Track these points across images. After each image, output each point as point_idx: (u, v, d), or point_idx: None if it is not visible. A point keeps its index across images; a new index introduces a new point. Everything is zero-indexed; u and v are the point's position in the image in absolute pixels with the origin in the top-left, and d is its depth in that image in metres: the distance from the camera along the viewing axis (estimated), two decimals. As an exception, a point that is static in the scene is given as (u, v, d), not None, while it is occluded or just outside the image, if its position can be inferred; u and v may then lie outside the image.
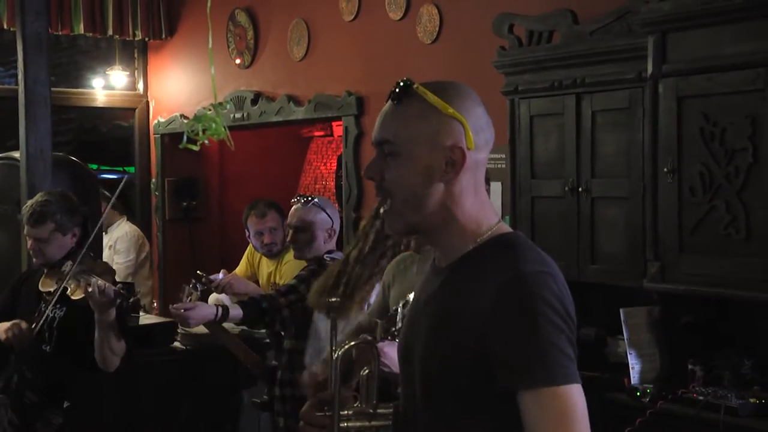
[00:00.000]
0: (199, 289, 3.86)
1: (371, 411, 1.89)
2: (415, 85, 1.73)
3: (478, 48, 4.77)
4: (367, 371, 1.92)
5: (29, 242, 3.84)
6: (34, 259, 3.88)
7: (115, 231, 6.47)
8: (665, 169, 3.54)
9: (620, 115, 3.81)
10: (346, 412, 1.89)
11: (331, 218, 4.01)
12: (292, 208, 4.04)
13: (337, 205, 6.49)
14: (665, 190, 3.55)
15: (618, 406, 3.59)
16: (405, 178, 1.72)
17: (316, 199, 4.05)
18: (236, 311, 3.79)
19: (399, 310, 2.02)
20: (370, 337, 1.96)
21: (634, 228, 3.74)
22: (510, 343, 1.57)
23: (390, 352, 2.36)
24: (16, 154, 5.05)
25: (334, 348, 1.93)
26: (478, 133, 1.73)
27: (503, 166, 4.30)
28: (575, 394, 1.57)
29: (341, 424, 1.87)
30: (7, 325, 3.66)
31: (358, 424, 1.88)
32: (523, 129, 4.18)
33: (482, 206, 1.76)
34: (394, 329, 1.98)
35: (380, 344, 2.05)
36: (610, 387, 3.67)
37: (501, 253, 1.68)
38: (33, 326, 3.63)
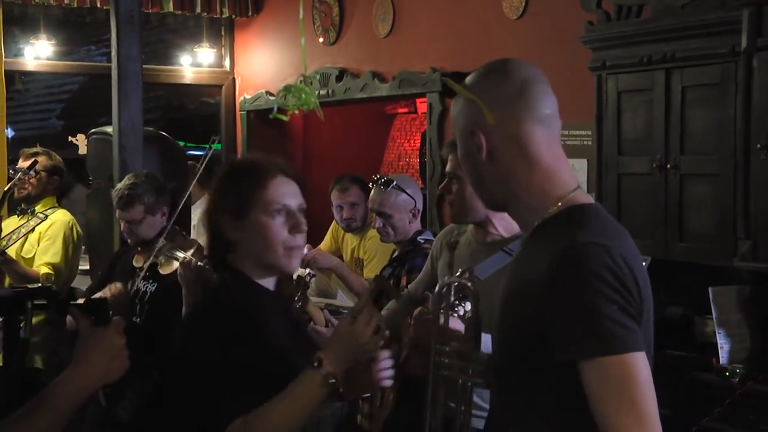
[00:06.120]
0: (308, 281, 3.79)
1: (468, 354, 1.94)
2: (444, 79, 1.89)
3: (565, 23, 4.72)
4: (470, 316, 1.97)
5: (122, 224, 4.02)
6: (128, 240, 4.05)
7: (199, 208, 6.54)
8: (758, 146, 3.47)
9: (711, 90, 3.74)
10: (446, 348, 1.96)
11: (413, 198, 3.94)
12: (372, 191, 3.98)
13: (420, 182, 6.50)
14: (758, 167, 3.48)
15: (706, 386, 3.54)
16: (462, 164, 1.87)
17: (395, 181, 3.95)
18: None
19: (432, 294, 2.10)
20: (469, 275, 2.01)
21: (725, 206, 3.67)
22: (562, 315, 1.60)
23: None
24: (109, 129, 5.17)
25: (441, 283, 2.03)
26: (504, 106, 1.75)
27: (589, 142, 4.25)
28: (636, 361, 1.57)
29: (439, 359, 1.95)
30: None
31: (455, 362, 1.95)
32: (610, 105, 4.13)
33: (548, 177, 1.77)
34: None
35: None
36: (698, 367, 3.62)
37: (565, 224, 1.70)
38: (128, 287, 3.80)
